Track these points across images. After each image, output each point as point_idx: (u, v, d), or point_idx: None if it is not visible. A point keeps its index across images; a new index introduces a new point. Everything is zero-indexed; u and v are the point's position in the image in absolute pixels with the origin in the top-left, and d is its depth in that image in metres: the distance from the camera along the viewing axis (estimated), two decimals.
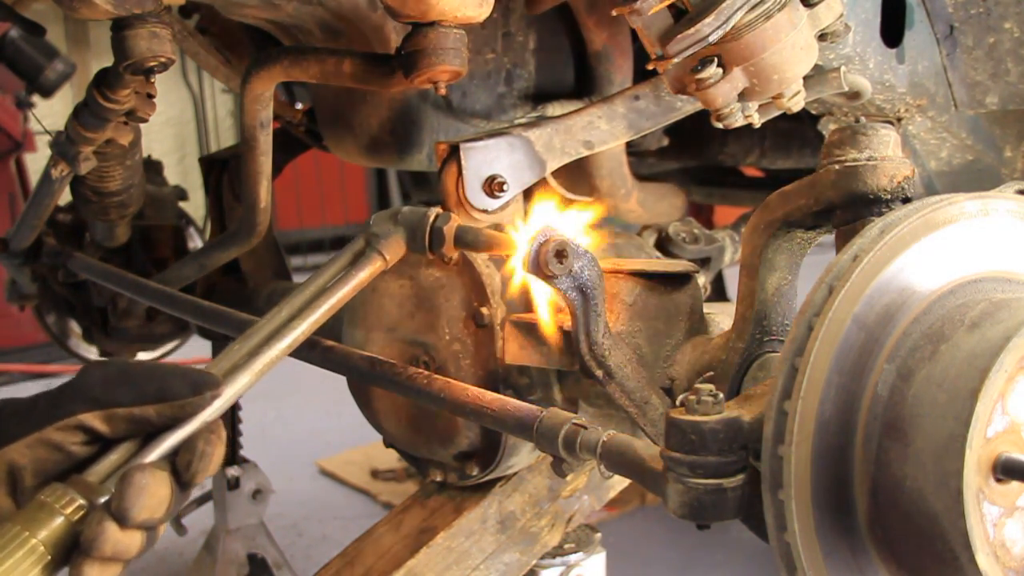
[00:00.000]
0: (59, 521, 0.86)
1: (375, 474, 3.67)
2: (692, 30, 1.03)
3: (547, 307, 1.14)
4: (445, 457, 1.39)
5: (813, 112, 1.60)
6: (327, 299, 1.03)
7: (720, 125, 1.14)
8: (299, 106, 2.23)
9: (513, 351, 1.23)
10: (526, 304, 1.26)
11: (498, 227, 1.35)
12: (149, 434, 0.93)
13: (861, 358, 0.80)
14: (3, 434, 0.94)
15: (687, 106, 1.46)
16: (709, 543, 3.03)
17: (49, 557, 0.85)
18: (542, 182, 1.43)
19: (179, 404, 0.93)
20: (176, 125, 7.84)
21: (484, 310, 1.26)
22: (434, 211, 1.13)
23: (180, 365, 0.98)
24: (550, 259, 1.00)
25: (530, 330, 1.21)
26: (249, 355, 0.98)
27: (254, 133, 1.54)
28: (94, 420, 0.92)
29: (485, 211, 1.33)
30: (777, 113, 1.20)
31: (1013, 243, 0.87)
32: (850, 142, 0.93)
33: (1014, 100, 1.56)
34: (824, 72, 1.39)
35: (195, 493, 2.12)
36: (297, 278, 2.30)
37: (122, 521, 0.86)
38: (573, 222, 1.17)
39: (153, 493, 0.87)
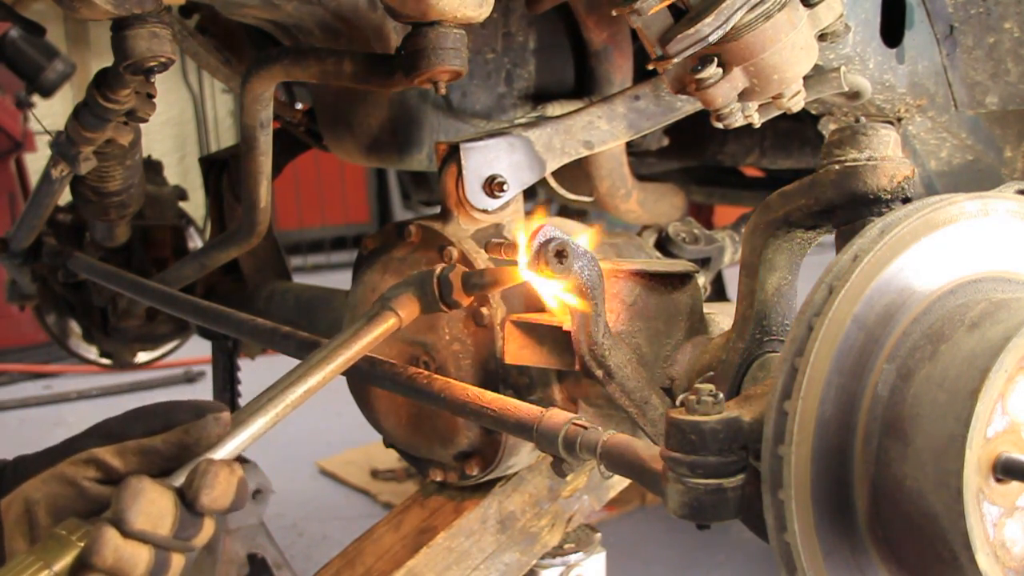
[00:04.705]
0: (75, 553, 0.85)
1: (375, 474, 3.67)
2: (692, 30, 1.03)
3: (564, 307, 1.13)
4: (445, 457, 1.39)
5: (813, 112, 1.60)
6: (343, 352, 1.09)
7: (720, 125, 1.14)
8: (299, 106, 2.23)
9: (513, 351, 1.23)
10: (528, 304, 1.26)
11: (499, 227, 1.36)
12: (164, 471, 0.94)
13: (861, 358, 0.80)
14: (24, 473, 0.95)
15: (687, 106, 1.46)
16: (709, 543, 3.03)
17: None
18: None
19: (182, 428, 0.95)
20: (176, 125, 7.84)
21: (484, 310, 1.26)
22: (439, 266, 1.16)
23: (195, 400, 1.00)
24: (550, 259, 1.00)
25: (530, 330, 1.21)
26: (268, 401, 1.01)
27: (254, 133, 1.54)
28: (105, 454, 0.94)
29: (485, 211, 1.33)
30: (777, 113, 1.20)
31: (1013, 243, 0.87)
32: (850, 142, 0.93)
33: (1014, 100, 1.55)
34: (824, 72, 1.39)
35: None
36: (297, 278, 2.30)
37: (120, 526, 0.85)
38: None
39: (152, 500, 0.86)
